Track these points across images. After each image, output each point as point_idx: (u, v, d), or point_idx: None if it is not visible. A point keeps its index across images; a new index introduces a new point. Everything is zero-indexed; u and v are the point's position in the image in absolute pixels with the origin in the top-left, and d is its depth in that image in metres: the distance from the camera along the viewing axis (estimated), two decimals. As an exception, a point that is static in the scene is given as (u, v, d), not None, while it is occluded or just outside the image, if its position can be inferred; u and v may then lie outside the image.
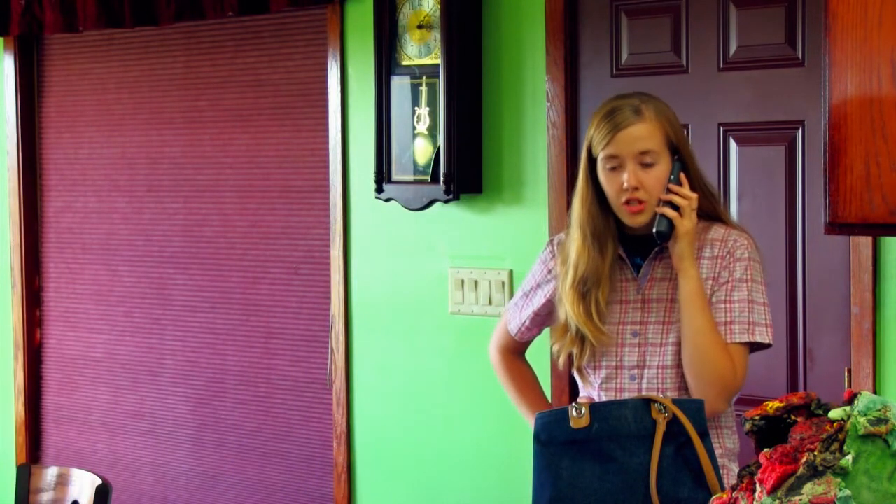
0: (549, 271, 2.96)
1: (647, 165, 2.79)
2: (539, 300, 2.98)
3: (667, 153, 2.81)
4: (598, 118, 2.83)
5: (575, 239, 2.87)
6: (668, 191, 2.79)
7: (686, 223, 2.78)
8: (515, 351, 3.10)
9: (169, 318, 4.92)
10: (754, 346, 2.83)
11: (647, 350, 2.83)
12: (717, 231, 2.85)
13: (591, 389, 2.91)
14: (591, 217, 2.85)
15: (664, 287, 2.84)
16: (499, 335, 3.11)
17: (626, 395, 2.82)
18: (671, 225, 2.78)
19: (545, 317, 2.99)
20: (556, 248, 2.96)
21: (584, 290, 2.84)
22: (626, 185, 2.79)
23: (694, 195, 2.80)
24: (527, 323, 3.02)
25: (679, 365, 2.80)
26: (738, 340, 2.78)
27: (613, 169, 2.81)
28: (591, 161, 2.85)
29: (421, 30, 4.06)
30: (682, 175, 2.81)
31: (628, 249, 2.87)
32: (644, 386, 2.82)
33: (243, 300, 4.72)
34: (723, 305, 2.80)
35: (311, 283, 4.53)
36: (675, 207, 2.79)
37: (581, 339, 2.86)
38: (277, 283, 4.62)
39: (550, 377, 3.83)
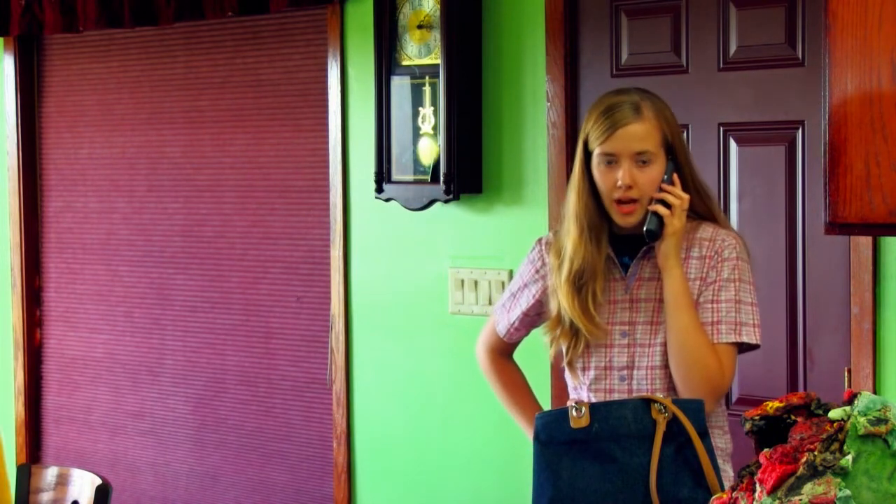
0: (537, 271, 2.95)
1: (642, 165, 2.79)
2: (527, 300, 2.98)
3: (662, 153, 2.81)
4: (597, 113, 2.82)
5: (571, 231, 2.86)
6: (661, 190, 2.79)
7: (675, 223, 2.77)
8: (504, 352, 3.09)
9: (169, 318, 4.92)
10: (743, 347, 2.82)
11: (637, 351, 2.83)
12: (706, 230, 2.85)
13: (581, 389, 2.90)
14: (587, 210, 2.84)
15: (652, 287, 2.83)
16: (486, 336, 3.10)
17: (616, 397, 2.81)
18: (661, 224, 2.77)
19: (534, 317, 2.98)
20: (543, 247, 2.96)
21: (580, 283, 2.83)
22: (620, 182, 2.78)
23: (686, 196, 2.79)
24: (515, 324, 3.02)
25: (668, 365, 2.79)
26: (724, 340, 2.78)
27: (609, 165, 2.81)
28: (587, 154, 2.85)
29: (421, 30, 4.06)
30: (675, 176, 2.81)
31: (616, 248, 2.87)
32: (634, 387, 2.82)
33: (243, 300, 4.72)
34: (710, 305, 2.79)
35: (311, 283, 4.53)
36: (667, 206, 2.78)
37: (575, 332, 2.85)
38: (277, 283, 4.62)
39: (551, 377, 3.83)
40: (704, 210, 2.87)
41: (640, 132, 2.79)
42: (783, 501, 1.80)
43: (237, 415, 4.75)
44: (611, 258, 2.86)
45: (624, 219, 2.82)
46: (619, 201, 2.80)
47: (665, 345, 2.79)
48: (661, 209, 2.78)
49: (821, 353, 3.51)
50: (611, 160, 2.80)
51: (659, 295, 2.81)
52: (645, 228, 2.79)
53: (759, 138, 3.60)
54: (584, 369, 2.88)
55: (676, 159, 2.82)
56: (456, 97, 3.98)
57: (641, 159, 2.79)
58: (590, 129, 2.83)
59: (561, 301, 2.85)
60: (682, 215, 2.78)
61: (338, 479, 4.44)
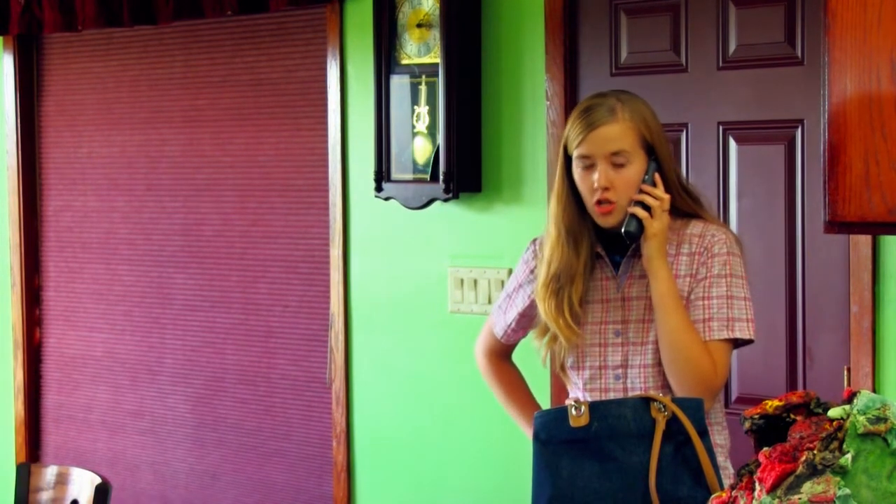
0: (531, 271, 2.95)
1: (618, 166, 2.79)
2: (522, 301, 2.97)
3: (641, 154, 2.80)
4: (574, 116, 2.84)
5: (550, 235, 2.87)
6: (641, 191, 2.79)
7: (655, 224, 2.76)
8: (502, 354, 3.10)
9: (168, 318, 4.93)
10: (738, 342, 2.82)
11: (630, 349, 2.83)
12: (696, 227, 2.84)
13: (576, 390, 2.90)
14: (566, 214, 2.85)
15: (643, 285, 2.82)
16: (484, 338, 3.10)
17: (612, 396, 2.81)
18: (641, 225, 2.77)
19: (530, 318, 2.97)
20: (537, 247, 2.96)
21: (557, 287, 2.83)
22: (596, 185, 2.78)
23: (666, 196, 2.78)
24: (512, 325, 3.02)
25: (660, 363, 2.79)
26: (717, 337, 2.77)
27: (586, 168, 2.81)
28: (568, 158, 2.85)
29: (420, 28, 4.06)
30: (657, 175, 2.80)
31: (608, 247, 2.86)
32: (629, 385, 2.82)
33: (243, 299, 4.72)
34: (701, 302, 2.79)
35: (310, 282, 4.53)
36: (647, 208, 2.78)
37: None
38: (277, 282, 4.62)
39: (550, 378, 3.83)
40: (690, 210, 2.86)
41: (615, 133, 2.79)
42: (782, 500, 1.80)
43: (237, 414, 4.75)
44: (601, 257, 2.86)
45: (603, 219, 2.81)
46: (598, 202, 2.80)
47: (657, 343, 2.79)
48: (639, 211, 2.77)
49: (820, 351, 3.51)
50: (588, 163, 2.80)
51: (649, 293, 2.81)
52: (623, 230, 2.78)
53: (759, 137, 3.60)
54: (579, 369, 2.88)
55: (658, 159, 2.82)
56: (455, 96, 3.98)
57: (618, 161, 2.79)
58: (568, 133, 2.84)
59: (538, 305, 2.86)
60: (663, 216, 2.77)
61: (337, 478, 4.44)
